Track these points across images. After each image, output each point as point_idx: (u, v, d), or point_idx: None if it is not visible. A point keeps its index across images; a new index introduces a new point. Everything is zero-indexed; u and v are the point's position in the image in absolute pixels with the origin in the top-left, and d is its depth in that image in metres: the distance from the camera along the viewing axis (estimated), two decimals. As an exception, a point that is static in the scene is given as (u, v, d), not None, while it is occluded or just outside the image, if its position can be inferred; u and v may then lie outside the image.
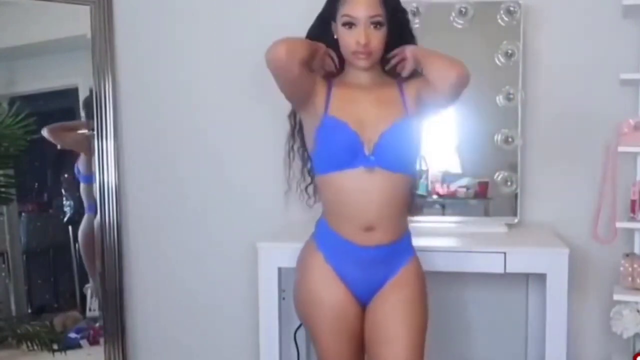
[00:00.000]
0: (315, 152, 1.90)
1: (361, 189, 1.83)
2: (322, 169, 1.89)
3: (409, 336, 1.87)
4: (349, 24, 1.83)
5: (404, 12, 1.93)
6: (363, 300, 1.92)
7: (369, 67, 1.88)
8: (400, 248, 1.90)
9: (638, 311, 2.45)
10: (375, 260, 1.87)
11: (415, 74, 1.92)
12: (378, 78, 1.93)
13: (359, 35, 1.81)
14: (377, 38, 1.83)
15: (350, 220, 1.85)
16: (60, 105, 3.10)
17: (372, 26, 1.82)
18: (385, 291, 1.89)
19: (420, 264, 1.96)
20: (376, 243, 1.85)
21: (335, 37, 1.89)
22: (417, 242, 1.98)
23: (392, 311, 1.87)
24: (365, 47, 1.82)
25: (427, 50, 1.89)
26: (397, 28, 1.89)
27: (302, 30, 2.00)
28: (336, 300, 1.88)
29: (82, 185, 2.99)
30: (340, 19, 1.85)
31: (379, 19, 1.82)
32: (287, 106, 2.85)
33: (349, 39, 1.84)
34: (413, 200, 2.04)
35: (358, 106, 1.87)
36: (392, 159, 1.84)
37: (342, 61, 1.94)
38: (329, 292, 1.88)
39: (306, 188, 2.05)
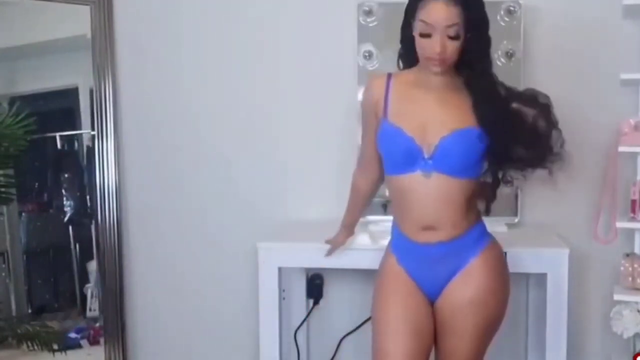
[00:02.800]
0: (380, 154, 1.93)
1: (419, 191, 1.84)
2: (386, 171, 1.93)
3: (472, 329, 1.87)
4: (426, 34, 1.76)
5: (485, 22, 1.83)
6: (434, 297, 1.92)
7: (442, 73, 1.83)
8: (465, 242, 1.88)
9: (638, 311, 2.45)
10: (437, 257, 1.87)
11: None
12: (450, 80, 1.87)
13: (435, 43, 1.75)
14: (452, 46, 1.77)
15: (410, 219, 1.87)
16: (60, 105, 3.11)
17: (447, 37, 1.75)
18: (452, 284, 1.88)
19: (496, 253, 1.93)
20: (436, 240, 1.86)
21: (414, 34, 1.83)
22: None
23: (456, 304, 1.87)
24: (439, 55, 1.76)
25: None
26: (476, 36, 1.80)
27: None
28: (406, 301, 1.88)
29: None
30: (417, 23, 1.78)
31: (456, 29, 1.75)
32: (287, 106, 2.87)
33: (425, 45, 1.78)
34: (488, 201, 1.99)
35: (419, 106, 1.86)
36: (451, 164, 1.82)
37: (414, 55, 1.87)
38: (399, 291, 1.89)
39: None
